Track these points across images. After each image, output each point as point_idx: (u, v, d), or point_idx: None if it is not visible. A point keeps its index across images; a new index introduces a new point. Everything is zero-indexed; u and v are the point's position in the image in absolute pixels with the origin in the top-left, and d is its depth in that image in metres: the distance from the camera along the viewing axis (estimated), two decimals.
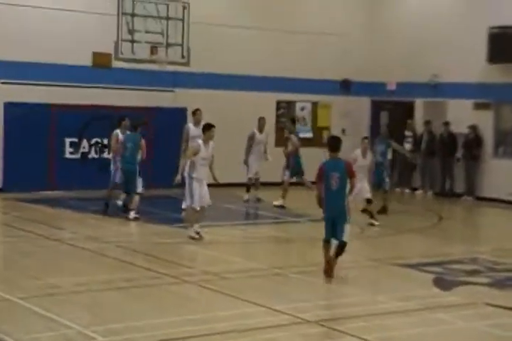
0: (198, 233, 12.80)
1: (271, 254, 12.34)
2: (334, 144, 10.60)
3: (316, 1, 22.24)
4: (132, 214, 14.64)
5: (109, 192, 15.58)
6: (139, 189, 14.93)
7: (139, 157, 15.04)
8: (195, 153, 12.72)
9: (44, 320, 8.19)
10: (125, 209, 15.10)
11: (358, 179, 11.93)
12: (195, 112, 15.72)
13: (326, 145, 10.87)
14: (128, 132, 15.29)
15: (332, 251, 10.41)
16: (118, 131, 15.69)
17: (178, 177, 13.33)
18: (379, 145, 16.51)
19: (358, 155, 14.74)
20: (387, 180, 16.20)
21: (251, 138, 17.85)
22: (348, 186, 10.46)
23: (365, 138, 15.65)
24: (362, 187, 14.12)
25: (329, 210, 10.45)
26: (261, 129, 18.02)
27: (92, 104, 18.77)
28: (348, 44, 22.46)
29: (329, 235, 10.48)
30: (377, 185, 15.92)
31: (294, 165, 17.30)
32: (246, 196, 17.78)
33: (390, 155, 16.75)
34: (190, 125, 15.52)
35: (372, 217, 14.79)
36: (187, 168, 12.94)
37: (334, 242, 10.50)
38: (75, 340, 7.58)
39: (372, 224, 14.65)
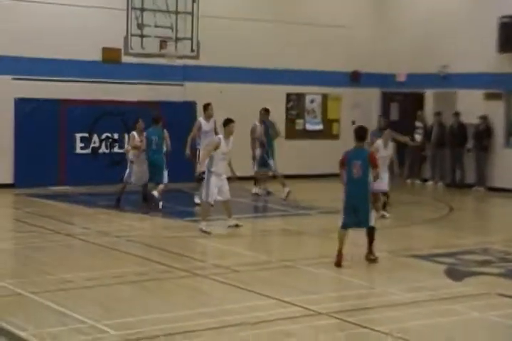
0: (230, 226, 13.15)
1: (281, 247, 12.35)
2: (360, 134, 10.83)
3: None
4: (160, 204, 15.13)
5: (122, 187, 15.66)
6: (165, 180, 15.40)
7: (164, 149, 15.57)
8: (216, 148, 12.76)
9: (56, 314, 8.23)
10: (146, 200, 15.63)
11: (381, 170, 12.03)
12: (206, 107, 15.74)
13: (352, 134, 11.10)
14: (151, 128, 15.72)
15: (362, 239, 10.78)
16: (134, 132, 15.89)
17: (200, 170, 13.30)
18: (374, 138, 15.71)
19: (379, 146, 14.59)
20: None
21: (253, 131, 17.63)
22: (371, 175, 10.59)
23: (386, 128, 15.56)
24: (381, 179, 13.99)
25: (351, 198, 10.62)
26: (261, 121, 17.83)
27: (102, 99, 18.80)
28: (357, 36, 22.41)
29: (349, 223, 10.65)
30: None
31: (259, 158, 17.26)
32: (254, 189, 17.78)
33: (390, 148, 15.73)
34: (201, 119, 15.52)
35: (384, 208, 14.76)
36: (206, 162, 12.90)
37: (350, 232, 10.60)
38: (87, 334, 7.61)
39: (383, 216, 14.63)
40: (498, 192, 19.40)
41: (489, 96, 20.07)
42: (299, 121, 22.00)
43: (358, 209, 10.58)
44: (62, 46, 18.51)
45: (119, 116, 18.98)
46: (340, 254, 10.57)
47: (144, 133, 15.71)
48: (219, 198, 12.91)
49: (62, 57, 18.54)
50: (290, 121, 21.76)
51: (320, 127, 22.39)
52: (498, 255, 11.79)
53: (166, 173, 15.50)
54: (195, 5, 20.00)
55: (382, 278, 10.37)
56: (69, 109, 18.53)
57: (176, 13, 19.86)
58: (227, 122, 13.05)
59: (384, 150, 14.61)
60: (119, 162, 17.59)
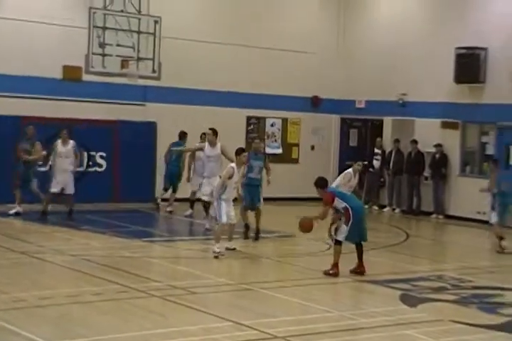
0: (228, 248, 13.22)
1: (239, 269, 12.32)
2: (323, 183, 12.10)
3: (288, 19, 22.40)
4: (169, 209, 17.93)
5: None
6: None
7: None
8: (230, 177, 12.92)
9: (7, 333, 8.09)
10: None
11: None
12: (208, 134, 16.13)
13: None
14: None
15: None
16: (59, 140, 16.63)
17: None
18: (255, 161, 15.02)
19: (351, 176, 15.71)
20: (261, 198, 15.06)
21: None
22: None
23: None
24: None
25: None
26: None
27: (62, 117, 18.65)
28: (318, 62, 22.66)
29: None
30: (249, 204, 14.96)
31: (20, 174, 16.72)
32: (188, 211, 17.78)
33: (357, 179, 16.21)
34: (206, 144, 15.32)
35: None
36: (216, 190, 13.06)
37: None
38: None
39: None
40: (454, 220, 19.64)
41: (446, 125, 20.40)
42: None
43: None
44: (23, 63, 18.41)
45: (78, 135, 18.82)
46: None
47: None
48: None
49: (23, 74, 18.41)
50: (250, 145, 21.79)
51: (279, 151, 22.50)
52: (453, 282, 11.91)
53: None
54: (157, 26, 20.02)
55: (339, 302, 10.40)
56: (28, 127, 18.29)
57: (138, 32, 19.86)
58: (240, 151, 13.35)
59: (354, 179, 15.77)
60: (77, 180, 17.42)
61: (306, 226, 11.84)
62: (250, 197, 14.88)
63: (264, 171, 15.27)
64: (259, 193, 14.99)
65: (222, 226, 13.02)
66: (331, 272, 11.76)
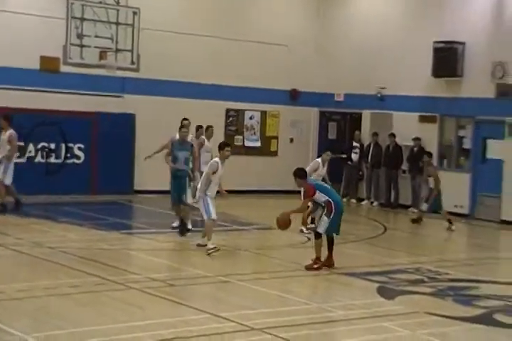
0: (200, 245, 12.92)
1: (217, 262, 12.33)
2: (302, 173, 12.10)
3: (267, 11, 22.40)
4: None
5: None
6: None
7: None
8: (214, 172, 12.65)
9: None
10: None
11: None
12: (207, 129, 16.32)
13: None
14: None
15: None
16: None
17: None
18: (180, 152, 14.32)
19: (319, 165, 15.82)
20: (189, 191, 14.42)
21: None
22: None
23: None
24: None
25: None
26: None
27: (40, 109, 18.54)
28: (297, 55, 22.67)
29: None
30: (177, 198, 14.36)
31: None
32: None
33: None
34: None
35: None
36: (201, 185, 12.70)
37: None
38: None
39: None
40: (431, 213, 19.74)
41: (424, 119, 20.49)
42: (238, 137, 22.09)
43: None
44: (0, 54, 18.22)
45: (56, 126, 18.76)
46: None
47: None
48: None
49: (0, 65, 18.26)
50: (229, 137, 21.80)
51: (258, 144, 22.51)
52: (430, 274, 12.00)
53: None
54: (136, 17, 19.92)
55: (317, 295, 10.46)
56: None
57: (117, 24, 19.75)
58: (224, 146, 12.93)
59: (322, 168, 15.77)
60: (55, 172, 17.37)
61: (283, 224, 11.74)
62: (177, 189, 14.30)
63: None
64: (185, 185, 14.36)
65: (212, 222, 12.76)
66: (314, 266, 11.72)
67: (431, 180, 17.64)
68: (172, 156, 14.23)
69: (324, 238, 11.97)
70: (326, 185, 12.54)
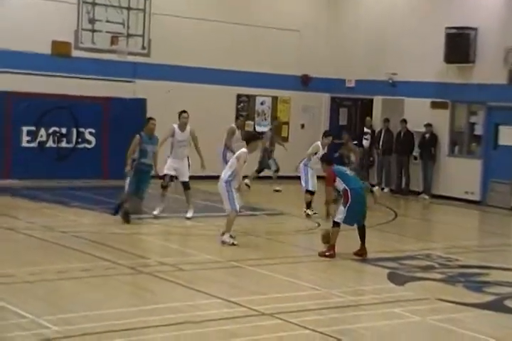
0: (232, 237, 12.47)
1: (227, 247, 12.36)
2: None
3: None
4: None
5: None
6: None
7: None
8: (244, 162, 12.25)
9: None
10: None
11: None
12: (236, 119, 15.57)
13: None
14: None
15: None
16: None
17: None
18: (148, 145, 14.01)
19: (319, 147, 15.65)
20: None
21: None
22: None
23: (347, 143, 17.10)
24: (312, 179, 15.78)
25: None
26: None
27: (51, 93, 18.55)
28: (309, 40, 22.59)
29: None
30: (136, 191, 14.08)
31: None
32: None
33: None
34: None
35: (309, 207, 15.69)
36: (227, 176, 12.29)
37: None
38: (27, 329, 7.51)
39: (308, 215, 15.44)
40: (443, 199, 19.73)
41: (435, 105, 20.40)
42: (249, 123, 22.05)
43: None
44: (12, 38, 18.22)
45: (67, 111, 18.77)
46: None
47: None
48: None
49: (11, 49, 18.25)
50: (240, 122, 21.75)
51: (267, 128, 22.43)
52: (440, 261, 12.00)
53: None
54: (147, 2, 19.88)
55: (327, 280, 10.46)
56: (16, 102, 18.22)
57: (128, 9, 19.71)
58: (254, 138, 12.65)
59: (322, 151, 15.62)
60: (66, 156, 17.39)
61: (326, 238, 11.88)
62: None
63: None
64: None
65: (236, 215, 12.44)
66: (327, 254, 11.66)
67: (352, 154, 18.60)
68: (140, 150, 13.84)
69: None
70: (347, 172, 12.19)
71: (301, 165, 15.75)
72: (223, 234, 12.34)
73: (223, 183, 12.29)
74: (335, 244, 11.72)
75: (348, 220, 11.76)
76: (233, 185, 12.26)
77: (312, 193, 15.55)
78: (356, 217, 11.80)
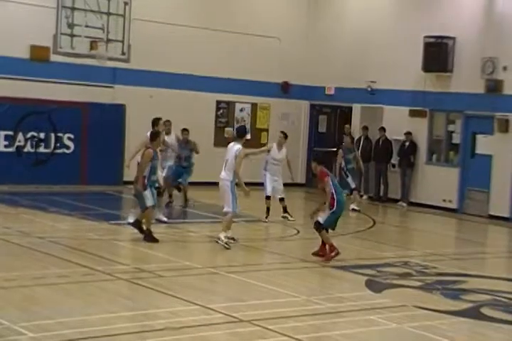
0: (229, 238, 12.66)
1: (206, 253, 12.34)
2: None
3: (259, 4, 22.36)
4: None
5: None
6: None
7: None
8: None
9: None
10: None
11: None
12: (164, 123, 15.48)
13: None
14: None
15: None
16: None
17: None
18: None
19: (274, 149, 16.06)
20: None
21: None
22: None
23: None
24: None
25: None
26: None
27: (29, 98, 18.46)
28: (289, 47, 22.65)
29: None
30: None
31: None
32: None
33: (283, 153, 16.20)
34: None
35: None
36: (231, 176, 12.51)
37: None
38: (2, 336, 7.43)
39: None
40: (419, 207, 19.83)
41: (414, 114, 20.51)
42: (228, 130, 22.03)
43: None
44: None
45: (45, 116, 18.68)
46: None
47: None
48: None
49: None
50: (219, 129, 21.79)
51: (248, 136, 22.41)
52: (418, 268, 12.04)
53: None
54: (127, 7, 19.88)
55: (305, 287, 10.46)
56: None
57: (108, 14, 19.68)
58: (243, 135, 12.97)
59: (278, 153, 16.01)
60: (45, 161, 17.30)
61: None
62: None
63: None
64: None
65: (234, 215, 12.70)
66: (332, 254, 11.91)
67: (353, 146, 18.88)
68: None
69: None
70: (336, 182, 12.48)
71: (262, 170, 15.88)
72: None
73: (228, 183, 12.48)
74: (332, 243, 11.99)
75: (327, 224, 12.00)
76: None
77: (268, 198, 15.81)
78: (333, 223, 12.11)
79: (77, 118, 19.21)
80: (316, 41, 22.99)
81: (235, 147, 12.62)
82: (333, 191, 11.93)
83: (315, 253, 12.15)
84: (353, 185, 18.26)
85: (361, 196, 21.32)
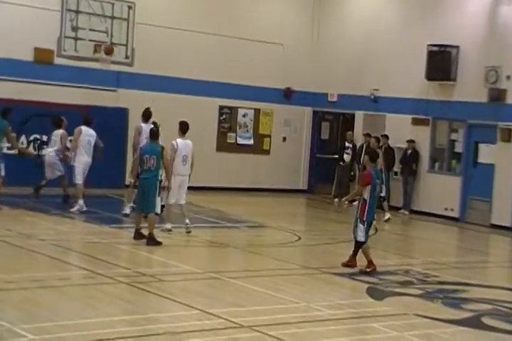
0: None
1: (208, 258, 12.33)
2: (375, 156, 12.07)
3: (263, 10, 22.38)
4: None
5: None
6: None
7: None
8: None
9: None
10: None
11: None
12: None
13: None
14: None
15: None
16: None
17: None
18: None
19: None
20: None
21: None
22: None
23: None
24: None
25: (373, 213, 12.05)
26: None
27: (33, 100, 18.45)
28: (293, 54, 22.66)
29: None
30: None
31: None
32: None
33: None
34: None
35: None
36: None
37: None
38: (3, 338, 7.42)
39: None
40: (422, 215, 19.81)
41: (417, 122, 20.51)
42: (231, 135, 22.05)
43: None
44: None
45: (48, 118, 18.66)
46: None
47: None
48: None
49: None
50: (222, 134, 21.80)
51: (251, 142, 22.48)
52: (419, 277, 12.02)
53: None
54: (131, 11, 19.90)
55: (306, 293, 10.44)
56: None
57: (112, 18, 19.72)
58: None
59: None
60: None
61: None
62: None
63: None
64: None
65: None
66: (368, 270, 11.83)
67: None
68: None
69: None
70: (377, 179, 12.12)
71: None
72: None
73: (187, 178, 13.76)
74: (371, 259, 11.90)
75: (366, 237, 11.96)
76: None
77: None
78: (369, 230, 12.06)
79: (80, 121, 19.14)
80: (319, 48, 23.01)
81: (189, 142, 13.87)
82: (367, 198, 11.78)
83: (344, 264, 12.06)
84: (382, 194, 18.05)
85: None
